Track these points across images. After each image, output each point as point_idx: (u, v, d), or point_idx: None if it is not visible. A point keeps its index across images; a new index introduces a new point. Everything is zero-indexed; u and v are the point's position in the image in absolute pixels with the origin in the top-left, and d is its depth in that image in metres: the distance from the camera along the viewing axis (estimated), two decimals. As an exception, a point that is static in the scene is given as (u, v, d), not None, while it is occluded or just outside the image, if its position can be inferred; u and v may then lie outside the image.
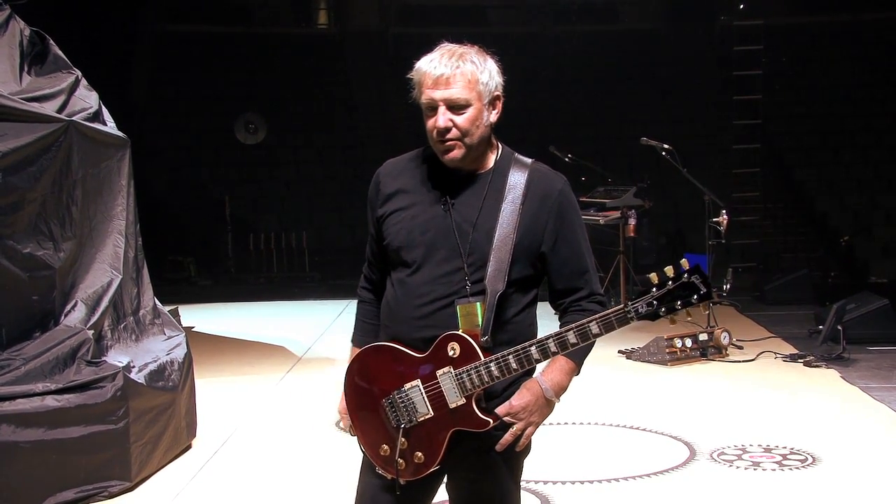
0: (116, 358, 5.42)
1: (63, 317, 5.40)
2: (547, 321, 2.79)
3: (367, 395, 2.79)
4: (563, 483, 5.25)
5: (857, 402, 6.98)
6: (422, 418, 2.70)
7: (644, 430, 6.34)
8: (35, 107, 5.40)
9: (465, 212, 2.73)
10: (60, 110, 5.68)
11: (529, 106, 17.87)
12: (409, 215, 2.77)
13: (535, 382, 2.75)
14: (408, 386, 2.71)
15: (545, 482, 5.24)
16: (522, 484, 5.23)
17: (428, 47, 2.76)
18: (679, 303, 2.55)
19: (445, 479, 2.89)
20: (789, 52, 17.98)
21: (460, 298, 2.69)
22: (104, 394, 5.05)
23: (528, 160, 2.87)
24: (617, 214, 11.35)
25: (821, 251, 15.40)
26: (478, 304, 2.68)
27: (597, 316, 2.60)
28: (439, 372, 2.67)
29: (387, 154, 2.83)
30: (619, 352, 8.95)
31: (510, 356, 2.63)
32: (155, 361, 5.73)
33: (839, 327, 8.52)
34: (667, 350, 8.38)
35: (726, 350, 8.69)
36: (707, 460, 5.65)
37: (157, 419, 5.50)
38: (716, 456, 5.71)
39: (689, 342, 8.52)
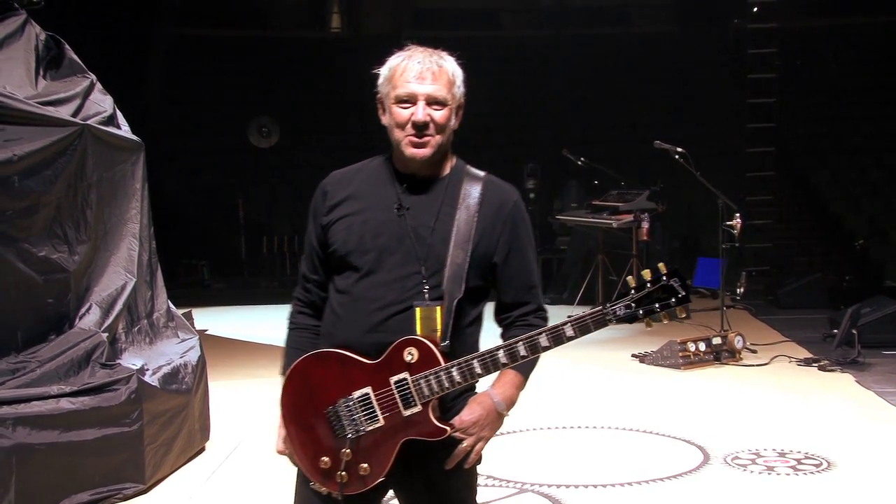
0: (130, 361, 5.44)
1: (78, 320, 5.42)
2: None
3: (307, 405, 2.67)
4: (576, 487, 5.24)
5: (872, 407, 6.95)
6: (370, 428, 2.60)
7: (657, 433, 6.32)
8: (50, 111, 5.43)
9: (421, 217, 2.68)
10: (75, 114, 5.70)
11: (542, 110, 17.89)
12: (359, 220, 2.70)
13: (486, 396, 2.69)
14: (357, 394, 2.61)
15: (557, 486, 5.24)
16: (534, 487, 5.25)
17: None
18: (658, 305, 2.51)
19: (395, 496, 2.81)
20: (803, 55, 17.91)
21: (420, 302, 2.63)
22: (118, 396, 5.07)
23: (481, 172, 2.81)
24: (630, 218, 11.33)
25: (835, 255, 15.34)
26: (438, 308, 2.62)
27: (572, 318, 2.54)
28: (393, 378, 2.58)
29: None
30: (633, 356, 8.94)
31: (474, 361, 2.56)
32: (169, 364, 5.75)
33: (854, 331, 8.48)
34: (680, 354, 8.36)
35: (740, 354, 8.67)
36: (721, 464, 5.63)
37: (170, 422, 5.51)
38: (729, 460, 5.69)
39: (702, 346, 8.50)
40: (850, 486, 5.23)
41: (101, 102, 6.09)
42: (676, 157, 9.41)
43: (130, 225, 6.03)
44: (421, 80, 2.64)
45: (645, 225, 11.24)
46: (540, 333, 2.56)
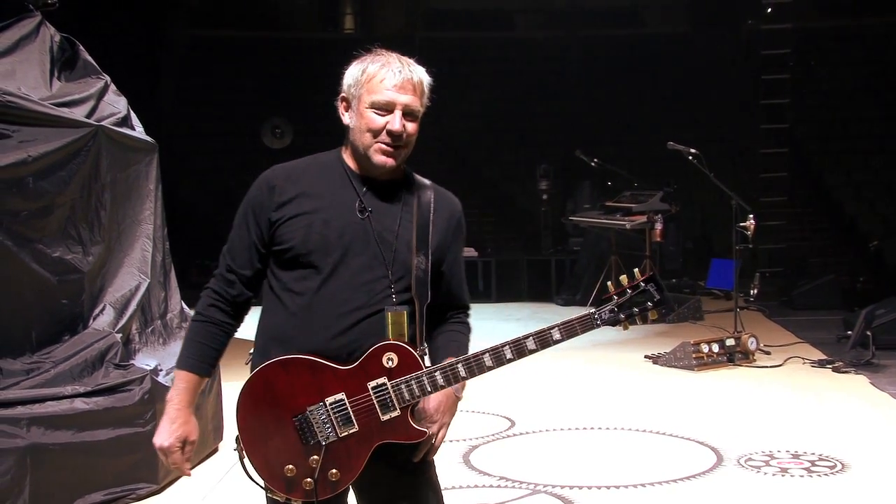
0: (144, 361, 5.46)
1: (92, 320, 5.44)
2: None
3: (270, 414, 2.60)
4: (589, 488, 5.23)
5: (886, 408, 6.92)
6: (344, 434, 2.57)
7: (671, 435, 6.30)
8: (65, 112, 5.44)
9: (384, 221, 2.67)
10: (89, 115, 5.72)
11: (555, 110, 17.87)
12: (319, 219, 2.64)
13: None
14: (330, 400, 2.57)
15: (570, 487, 5.23)
16: (547, 489, 5.24)
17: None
18: (637, 309, 2.65)
19: (357, 499, 2.78)
20: (817, 55, 17.86)
21: (390, 306, 2.63)
22: (132, 397, 5.08)
23: (427, 180, 2.84)
24: (643, 219, 11.32)
25: (849, 256, 15.28)
26: (405, 312, 2.63)
27: (559, 323, 2.60)
28: (371, 384, 2.57)
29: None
30: (646, 357, 8.93)
31: (459, 365, 2.59)
32: (182, 365, 5.75)
33: (868, 333, 8.44)
34: (693, 355, 8.34)
35: (753, 355, 8.64)
36: (734, 466, 5.61)
37: (184, 422, 5.52)
38: (743, 462, 5.67)
39: (716, 347, 8.48)
40: (865, 488, 5.20)
41: (116, 104, 6.11)
42: (690, 157, 9.39)
43: (144, 226, 6.05)
44: (402, 91, 2.64)
45: (658, 226, 11.23)
46: (527, 337, 2.59)
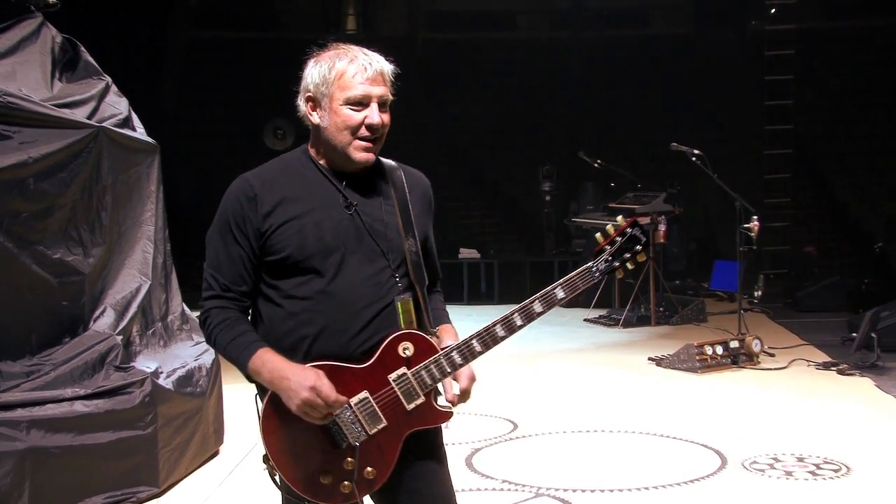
0: (145, 364, 5.43)
1: (92, 322, 5.42)
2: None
3: (297, 426, 2.59)
4: (592, 491, 5.20)
5: (891, 411, 6.89)
6: (374, 430, 2.59)
7: (674, 438, 6.28)
8: (66, 113, 5.42)
9: (371, 212, 2.69)
10: (90, 116, 5.70)
11: (558, 111, 17.85)
12: (310, 222, 2.62)
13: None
14: (354, 401, 2.58)
15: (573, 490, 5.20)
16: (550, 492, 5.22)
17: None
18: (628, 255, 2.73)
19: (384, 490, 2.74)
20: (821, 56, 17.84)
21: (398, 296, 2.65)
22: (132, 399, 5.06)
23: (393, 161, 2.85)
24: (646, 220, 11.28)
25: (854, 257, 15.25)
26: (411, 299, 2.68)
27: (560, 281, 2.66)
28: (392, 376, 2.59)
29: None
30: (649, 359, 8.90)
31: (473, 340, 2.61)
32: (183, 367, 5.73)
33: (873, 335, 8.42)
34: (697, 357, 8.31)
35: (758, 358, 8.61)
36: (738, 469, 5.58)
37: (184, 425, 5.50)
38: (747, 465, 5.64)
39: (719, 349, 8.45)
40: (870, 491, 5.17)
41: (117, 105, 6.09)
42: (693, 158, 9.36)
43: (145, 227, 6.04)
44: (374, 83, 2.64)
45: (662, 227, 11.20)
46: (533, 301, 2.64)
